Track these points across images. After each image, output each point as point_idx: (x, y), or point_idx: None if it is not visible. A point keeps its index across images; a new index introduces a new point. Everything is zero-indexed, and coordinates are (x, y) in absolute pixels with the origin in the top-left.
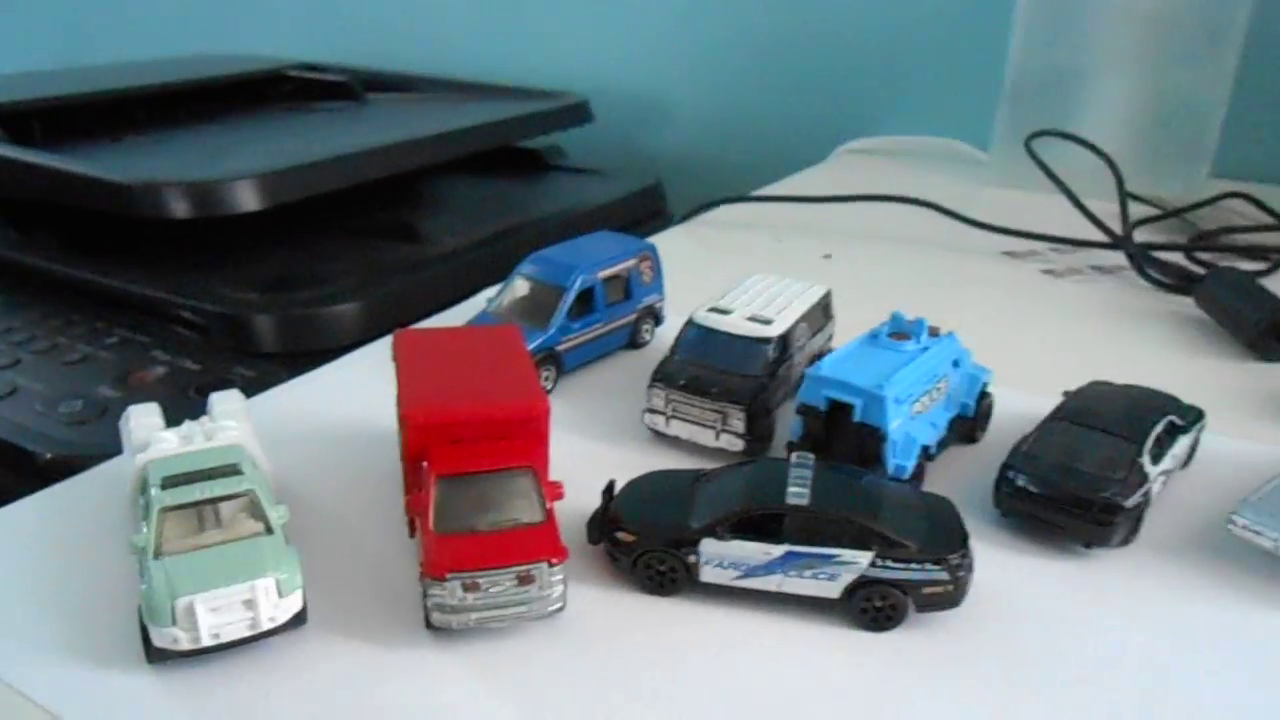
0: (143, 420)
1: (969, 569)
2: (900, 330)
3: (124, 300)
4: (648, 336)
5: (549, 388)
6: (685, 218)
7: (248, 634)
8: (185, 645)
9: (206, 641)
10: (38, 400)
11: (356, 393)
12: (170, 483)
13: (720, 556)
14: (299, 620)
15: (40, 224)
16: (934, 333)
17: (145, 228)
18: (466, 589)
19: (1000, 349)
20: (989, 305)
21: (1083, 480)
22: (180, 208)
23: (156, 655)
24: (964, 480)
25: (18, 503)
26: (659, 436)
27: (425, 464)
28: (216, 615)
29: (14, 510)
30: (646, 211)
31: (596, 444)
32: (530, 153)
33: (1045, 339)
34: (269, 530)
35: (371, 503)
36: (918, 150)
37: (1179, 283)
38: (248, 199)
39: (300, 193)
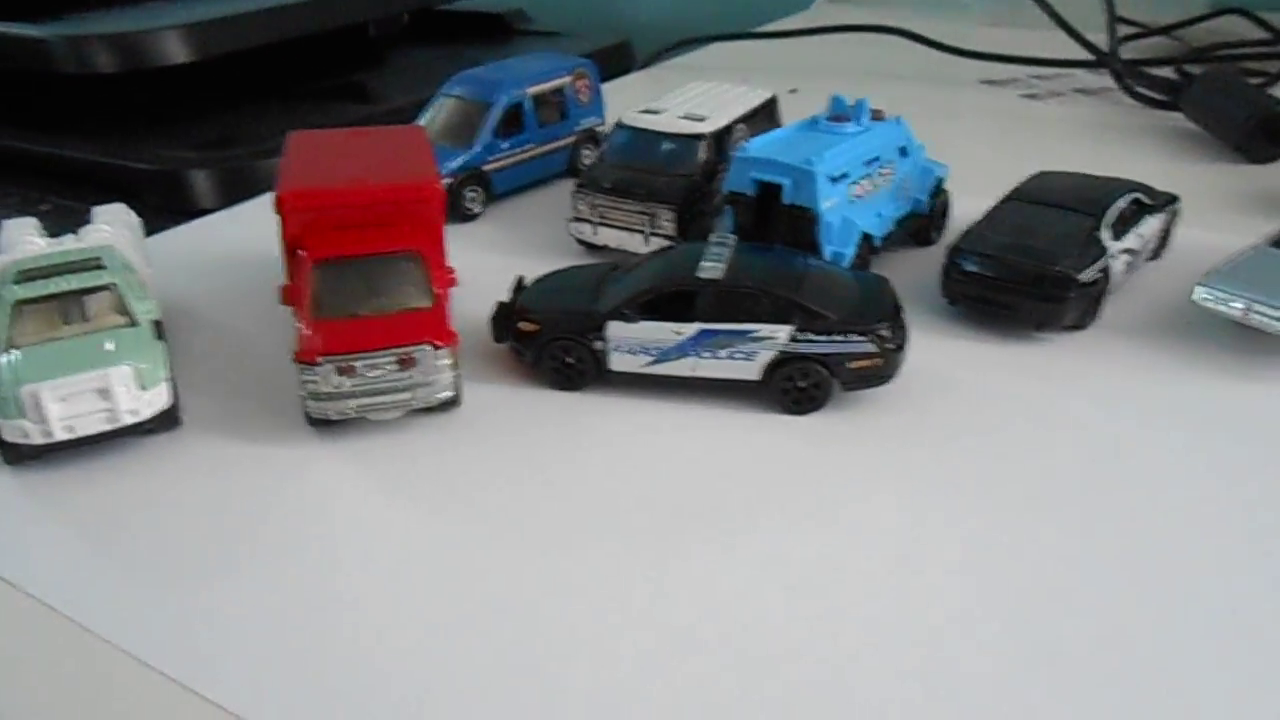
0: (16, 232)
1: (901, 343)
2: (840, 113)
3: (58, 167)
4: (588, 162)
5: (476, 210)
6: (646, 64)
7: (106, 428)
8: (37, 439)
9: (60, 435)
10: None
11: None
12: (25, 277)
13: (629, 341)
14: (170, 421)
15: None
16: (878, 116)
17: (82, 94)
18: (342, 372)
19: (978, 172)
20: (968, 132)
21: (1033, 255)
22: (106, 61)
23: (11, 453)
24: (916, 281)
25: None
26: (589, 248)
27: (301, 251)
28: (67, 405)
29: None
30: (614, 72)
31: (523, 261)
32: (494, 17)
33: (1026, 161)
34: (134, 324)
35: (262, 321)
36: None
37: (1167, 96)
38: (175, 50)
39: (230, 44)
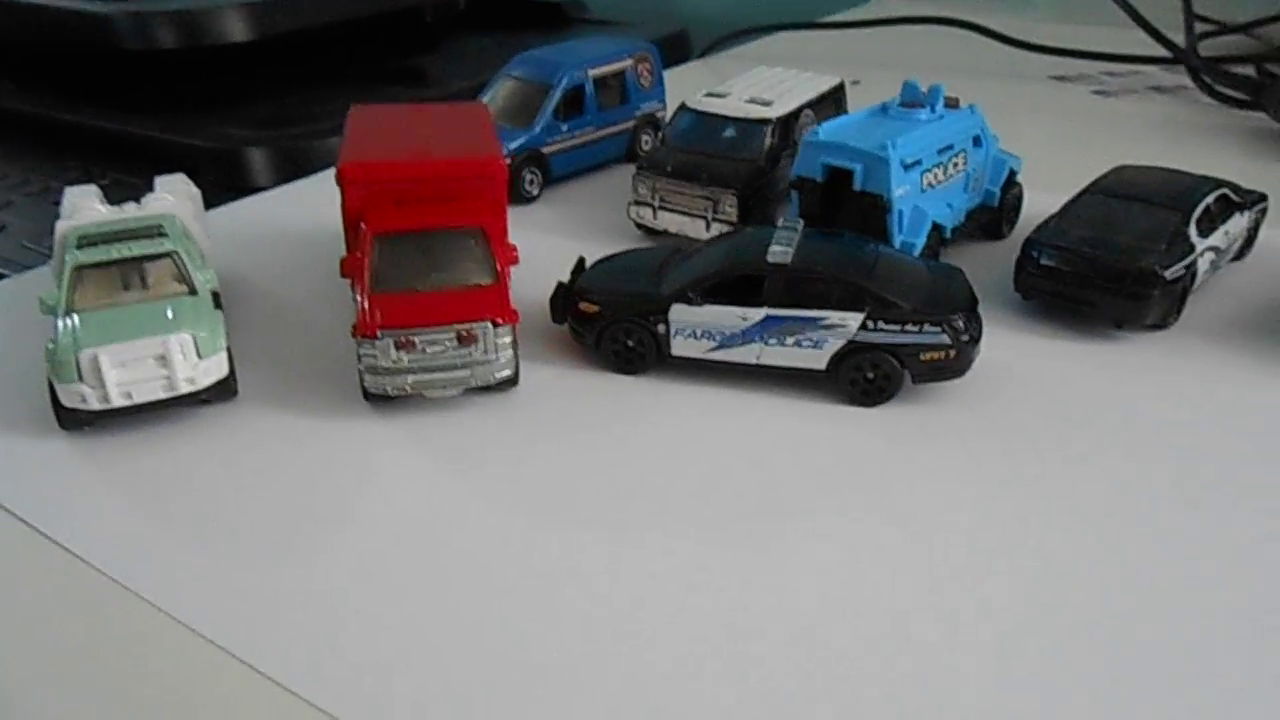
0: (78, 199)
1: (976, 336)
2: (914, 99)
3: (118, 142)
4: (647, 147)
5: (534, 192)
6: (704, 53)
7: (164, 395)
8: (95, 404)
9: (117, 400)
10: (25, 236)
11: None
12: (86, 242)
13: (692, 325)
14: (227, 391)
15: (35, 72)
16: (952, 104)
17: (143, 70)
18: (400, 347)
19: (1047, 167)
20: (1036, 127)
21: (1116, 250)
22: (167, 37)
23: (68, 418)
24: (986, 275)
25: None
26: (648, 232)
27: (362, 224)
28: (126, 371)
29: None
30: (671, 61)
31: (581, 243)
32: (551, 6)
33: (1098, 157)
34: (193, 292)
35: (317, 296)
36: None
37: (1249, 95)
38: (236, 28)
39: (289, 24)
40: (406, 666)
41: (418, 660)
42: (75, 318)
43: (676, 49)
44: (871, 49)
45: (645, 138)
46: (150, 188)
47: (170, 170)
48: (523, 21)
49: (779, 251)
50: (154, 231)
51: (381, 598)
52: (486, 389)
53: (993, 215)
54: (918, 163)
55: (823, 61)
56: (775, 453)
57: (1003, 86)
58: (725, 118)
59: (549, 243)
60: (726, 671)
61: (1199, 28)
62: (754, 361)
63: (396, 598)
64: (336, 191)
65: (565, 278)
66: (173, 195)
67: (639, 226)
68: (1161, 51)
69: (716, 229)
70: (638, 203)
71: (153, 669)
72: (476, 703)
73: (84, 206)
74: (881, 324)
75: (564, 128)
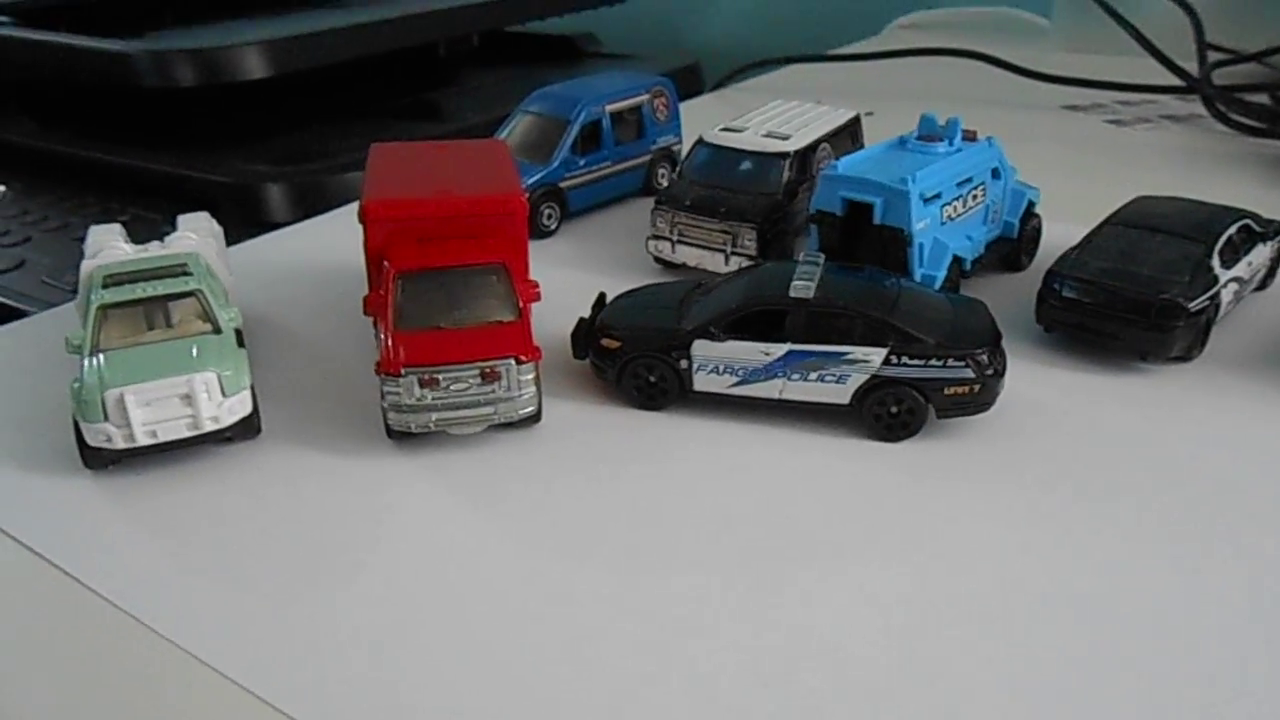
0: (103, 237)
1: (1000, 371)
2: (931, 132)
3: (137, 179)
4: (664, 181)
5: (552, 227)
6: (718, 85)
7: (188, 434)
8: (120, 443)
9: (142, 440)
10: (44, 272)
11: (349, 239)
12: (112, 281)
13: (715, 360)
14: (250, 429)
15: (55, 109)
16: (970, 137)
17: (161, 109)
18: (424, 384)
19: (1063, 198)
20: (1050, 158)
21: (1139, 282)
22: (186, 75)
23: (93, 457)
24: (1006, 307)
25: None
26: (667, 266)
27: (386, 262)
28: (151, 410)
29: None
30: (684, 94)
31: (599, 278)
32: (564, 40)
33: (1115, 187)
34: (217, 330)
35: (338, 333)
36: (976, 22)
37: (1265, 124)
38: (254, 66)
39: (309, 61)
40: (431, 702)
41: (441, 696)
42: (101, 357)
43: (689, 82)
44: (883, 80)
45: (661, 171)
46: (169, 224)
47: (189, 206)
48: (536, 56)
49: (801, 286)
50: (178, 270)
51: (403, 634)
52: (509, 425)
53: (1011, 247)
54: (937, 196)
55: (835, 93)
56: (798, 488)
57: (1015, 117)
58: (743, 151)
59: (568, 277)
60: (750, 707)
61: (1212, 56)
62: (776, 396)
63: (418, 634)
64: (355, 227)
65: (585, 313)
66: (195, 233)
67: (657, 260)
68: (1175, 80)
69: (735, 263)
70: (656, 237)
71: (176, 707)
72: None
73: (108, 245)
74: (905, 359)
75: (581, 162)
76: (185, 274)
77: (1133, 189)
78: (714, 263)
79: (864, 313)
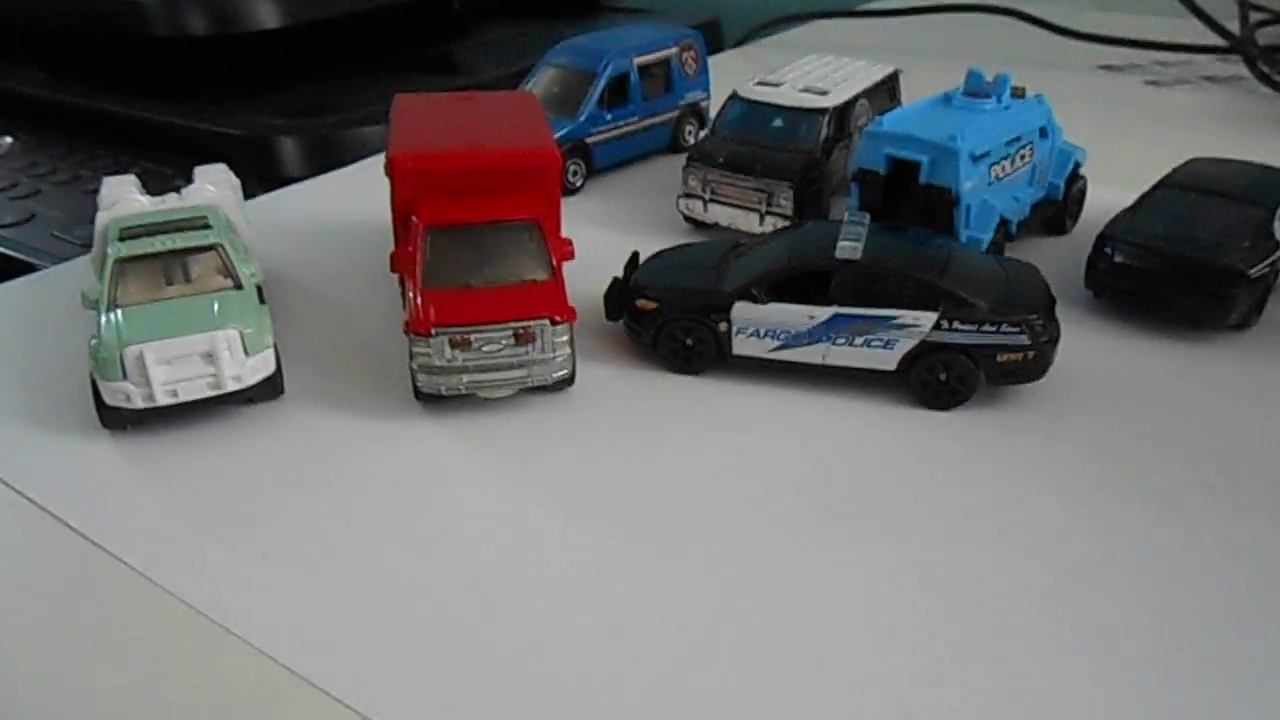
0: (118, 188)
1: (1055, 338)
2: (978, 89)
3: (149, 132)
4: (691, 138)
5: (577, 183)
6: (740, 42)
7: (210, 394)
8: (139, 403)
9: (162, 399)
10: (55, 225)
11: (370, 194)
12: (129, 234)
13: (756, 323)
14: (273, 389)
15: (66, 61)
16: (1019, 94)
17: (173, 60)
18: (455, 345)
19: (1103, 160)
20: (1086, 119)
21: (1197, 246)
22: (198, 24)
23: (111, 417)
24: (1052, 272)
25: None
26: (698, 226)
27: (414, 217)
28: (171, 368)
29: None
30: None
31: (628, 236)
32: None
33: (1156, 149)
34: (238, 286)
35: (360, 290)
36: None
37: None
38: (266, 15)
39: (320, 11)
40: (460, 669)
41: (474, 665)
42: (119, 313)
43: (709, 38)
44: (911, 37)
45: (689, 128)
46: (180, 177)
47: (200, 159)
48: (552, 10)
49: (848, 247)
50: (198, 223)
51: (432, 603)
52: (541, 389)
53: (1056, 209)
54: (986, 154)
55: (862, 50)
56: (841, 457)
57: (1050, 76)
58: (779, 107)
59: (596, 236)
60: (792, 678)
61: (1254, 16)
62: (819, 362)
63: (447, 601)
64: (373, 183)
65: (616, 273)
66: (214, 185)
67: (688, 220)
68: (1215, 40)
69: (770, 223)
70: (687, 195)
71: (197, 673)
72: (534, 704)
73: (124, 197)
74: (957, 324)
75: (608, 117)
76: (205, 227)
77: (1175, 152)
78: (748, 222)
79: (914, 275)
